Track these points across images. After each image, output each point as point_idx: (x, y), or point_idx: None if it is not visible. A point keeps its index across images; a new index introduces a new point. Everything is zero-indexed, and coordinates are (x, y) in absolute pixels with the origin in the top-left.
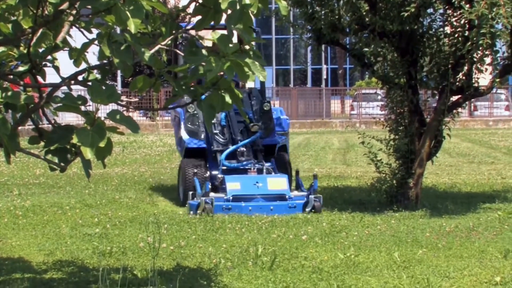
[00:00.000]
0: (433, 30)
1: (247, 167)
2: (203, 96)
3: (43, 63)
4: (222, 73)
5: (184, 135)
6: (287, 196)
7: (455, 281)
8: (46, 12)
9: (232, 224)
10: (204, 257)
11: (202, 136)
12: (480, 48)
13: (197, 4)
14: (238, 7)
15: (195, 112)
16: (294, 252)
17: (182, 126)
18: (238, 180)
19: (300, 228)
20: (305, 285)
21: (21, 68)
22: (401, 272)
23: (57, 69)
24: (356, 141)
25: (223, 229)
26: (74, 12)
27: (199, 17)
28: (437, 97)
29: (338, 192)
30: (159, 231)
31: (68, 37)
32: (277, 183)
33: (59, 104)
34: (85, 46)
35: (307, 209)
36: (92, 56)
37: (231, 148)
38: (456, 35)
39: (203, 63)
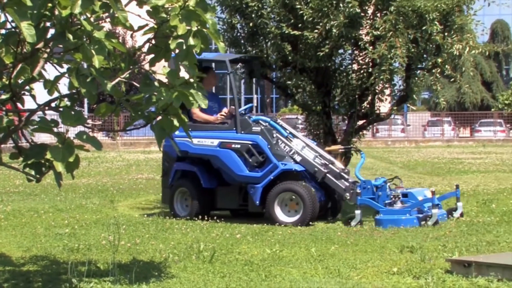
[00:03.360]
0: (343, 67)
1: (390, 183)
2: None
3: (22, 92)
4: (171, 101)
5: (274, 159)
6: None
7: (360, 271)
8: (24, 50)
9: (179, 225)
10: (155, 253)
11: (289, 160)
12: (381, 82)
13: (151, 44)
14: (184, 47)
15: (278, 136)
16: (230, 248)
17: (268, 151)
18: (422, 194)
19: (235, 228)
20: (238, 275)
21: (3, 96)
22: (317, 264)
23: (33, 97)
24: None
25: (171, 229)
26: (48, 50)
27: (152, 55)
28: (346, 121)
29: None
30: (118, 231)
31: (43, 71)
32: (428, 193)
33: (35, 126)
34: (57, 78)
35: (456, 215)
36: (63, 86)
37: (358, 166)
38: (361, 71)
39: (156, 93)
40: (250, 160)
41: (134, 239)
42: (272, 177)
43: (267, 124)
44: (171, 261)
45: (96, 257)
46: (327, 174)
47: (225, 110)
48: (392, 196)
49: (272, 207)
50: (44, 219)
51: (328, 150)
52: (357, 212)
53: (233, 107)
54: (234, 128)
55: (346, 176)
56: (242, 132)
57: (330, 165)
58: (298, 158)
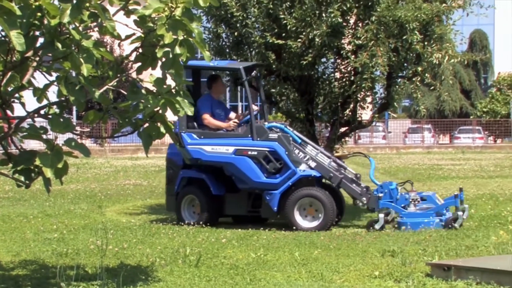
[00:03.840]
0: (326, 75)
1: (401, 187)
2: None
3: (12, 99)
4: (158, 108)
5: (292, 165)
6: None
7: (343, 275)
8: (14, 58)
9: (165, 230)
10: (142, 257)
11: (304, 166)
12: (363, 90)
13: (138, 53)
14: (171, 55)
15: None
16: (215, 252)
17: (286, 158)
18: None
19: (220, 233)
20: (224, 279)
21: None
22: (300, 268)
23: (23, 104)
24: None
25: (158, 234)
26: (37, 58)
27: (139, 64)
28: (329, 128)
29: None
30: (106, 235)
31: (32, 79)
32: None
33: (25, 133)
34: (46, 86)
35: (464, 216)
36: (52, 94)
37: (372, 171)
38: (344, 79)
39: (143, 100)
40: (268, 166)
41: (121, 243)
42: (290, 183)
43: (279, 130)
44: (158, 265)
45: (84, 262)
46: (343, 180)
47: (232, 114)
48: (411, 200)
49: (292, 213)
50: (33, 224)
51: (336, 156)
52: (381, 216)
53: (237, 113)
54: (250, 135)
55: (358, 181)
56: (258, 139)
57: (343, 171)
58: (312, 164)
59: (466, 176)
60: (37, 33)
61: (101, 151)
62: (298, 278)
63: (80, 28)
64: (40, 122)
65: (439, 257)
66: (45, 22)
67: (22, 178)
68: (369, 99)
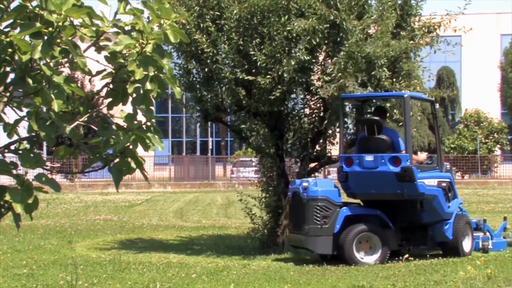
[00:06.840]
0: (296, 111)
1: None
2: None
3: None
4: (128, 144)
5: (457, 194)
6: None
7: None
8: None
9: (135, 265)
10: None
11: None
12: (333, 125)
13: (109, 88)
14: (141, 91)
15: None
16: None
17: (455, 187)
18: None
19: (190, 268)
20: None
21: None
22: None
23: None
24: (235, 198)
25: (128, 269)
26: (8, 94)
27: (110, 99)
28: (299, 164)
29: (221, 239)
30: (76, 271)
31: (2, 114)
32: None
33: None
34: (17, 121)
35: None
36: (22, 129)
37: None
38: (313, 115)
39: (113, 136)
40: (449, 196)
41: (91, 279)
42: (457, 212)
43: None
44: None
45: None
46: None
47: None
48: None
49: (461, 241)
50: (2, 259)
51: None
52: None
53: None
54: (437, 167)
55: None
56: (441, 170)
57: None
58: None
59: None
60: (8, 68)
61: (71, 186)
62: None
63: (51, 64)
64: (10, 157)
65: None
66: (16, 58)
67: None
68: (338, 135)
